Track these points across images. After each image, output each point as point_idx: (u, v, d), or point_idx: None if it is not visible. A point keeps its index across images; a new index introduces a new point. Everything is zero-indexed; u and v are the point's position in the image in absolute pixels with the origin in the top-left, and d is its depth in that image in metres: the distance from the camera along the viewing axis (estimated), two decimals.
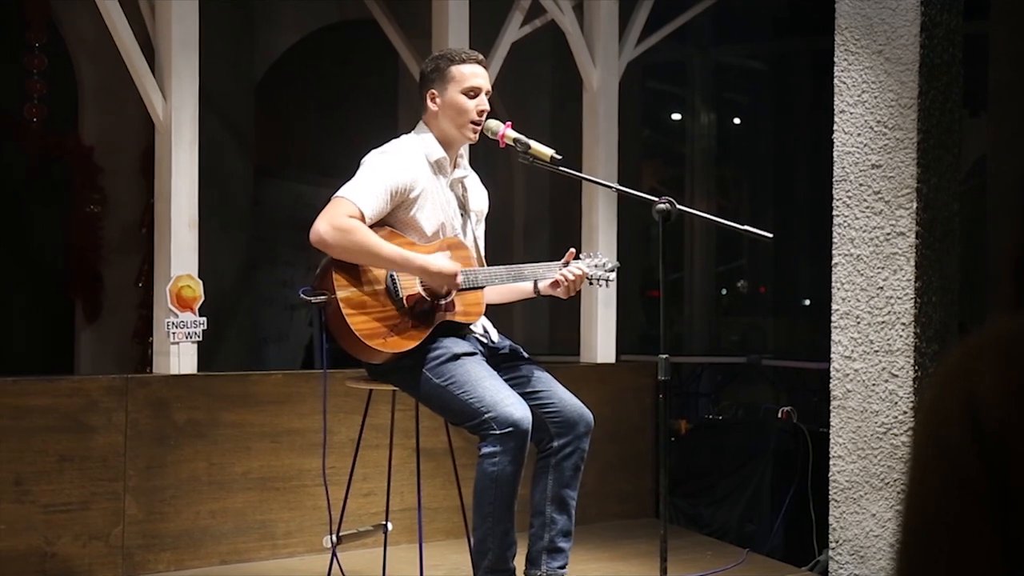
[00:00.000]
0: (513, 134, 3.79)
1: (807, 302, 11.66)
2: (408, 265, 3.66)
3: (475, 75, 3.84)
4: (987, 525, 0.90)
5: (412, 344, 3.68)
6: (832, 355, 4.15)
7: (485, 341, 3.87)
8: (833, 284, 4.15)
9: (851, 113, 4.12)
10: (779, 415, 6.18)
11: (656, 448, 6.03)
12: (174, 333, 5.03)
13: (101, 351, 7.67)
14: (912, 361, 4.00)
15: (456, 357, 3.66)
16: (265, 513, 5.00)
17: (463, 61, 3.85)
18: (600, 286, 4.03)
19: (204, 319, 5.10)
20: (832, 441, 4.15)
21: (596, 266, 3.97)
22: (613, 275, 4.04)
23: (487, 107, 3.85)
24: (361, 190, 3.65)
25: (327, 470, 4.01)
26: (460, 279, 3.69)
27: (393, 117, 9.07)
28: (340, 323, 3.61)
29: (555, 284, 3.89)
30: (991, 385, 0.92)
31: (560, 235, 8.65)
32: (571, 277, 3.86)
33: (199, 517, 4.84)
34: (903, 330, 4.01)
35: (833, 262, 4.16)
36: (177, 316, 5.03)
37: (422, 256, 3.67)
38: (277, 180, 9.54)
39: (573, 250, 3.95)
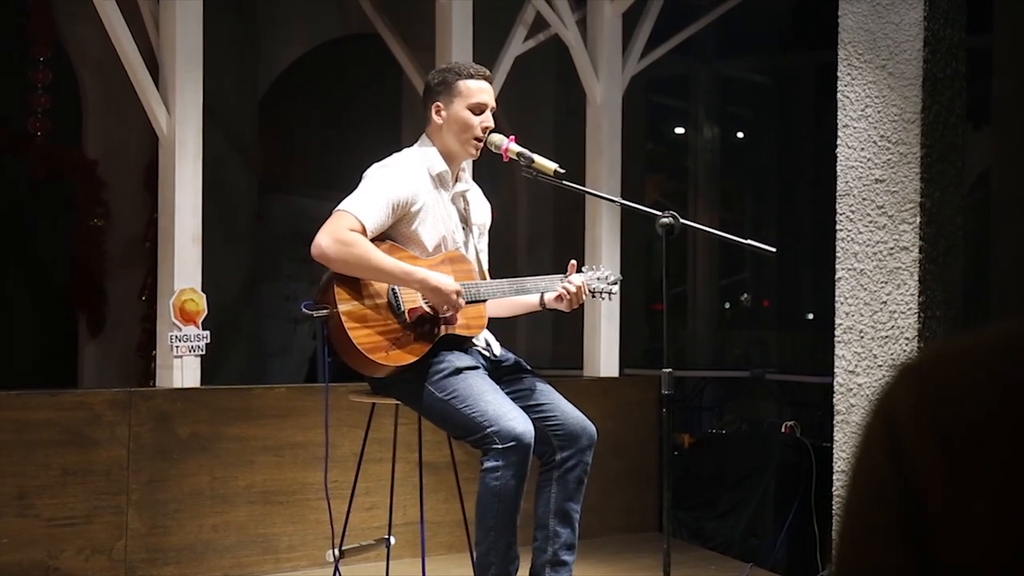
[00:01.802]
0: (516, 148, 3.79)
1: (810, 316, 11.66)
2: (408, 280, 3.65)
3: (482, 91, 3.84)
4: (908, 548, 0.92)
5: (414, 358, 3.67)
6: (835, 369, 4.14)
7: (487, 354, 3.86)
8: (836, 298, 4.14)
9: (854, 127, 4.12)
10: (782, 429, 6.17)
11: (659, 462, 6.02)
12: (177, 347, 5.03)
13: (104, 365, 7.68)
14: None
15: (458, 371, 3.66)
16: (268, 527, 5.00)
17: (471, 76, 3.84)
18: (603, 299, 4.03)
19: (207, 333, 5.10)
20: (836, 456, 4.14)
21: (599, 279, 3.97)
22: (616, 288, 4.03)
23: (491, 124, 3.85)
24: (362, 203, 3.65)
25: (330, 484, 4.01)
26: (461, 301, 3.68)
27: (396, 130, 9.08)
28: (342, 337, 3.61)
29: (558, 297, 3.88)
30: (909, 407, 0.94)
31: (563, 249, 8.65)
32: (573, 289, 3.85)
33: (202, 531, 4.83)
34: (906, 345, 4.00)
35: (836, 276, 4.15)
36: (180, 330, 5.03)
37: (423, 271, 3.66)
38: (280, 194, 9.55)
39: (575, 263, 3.95)
